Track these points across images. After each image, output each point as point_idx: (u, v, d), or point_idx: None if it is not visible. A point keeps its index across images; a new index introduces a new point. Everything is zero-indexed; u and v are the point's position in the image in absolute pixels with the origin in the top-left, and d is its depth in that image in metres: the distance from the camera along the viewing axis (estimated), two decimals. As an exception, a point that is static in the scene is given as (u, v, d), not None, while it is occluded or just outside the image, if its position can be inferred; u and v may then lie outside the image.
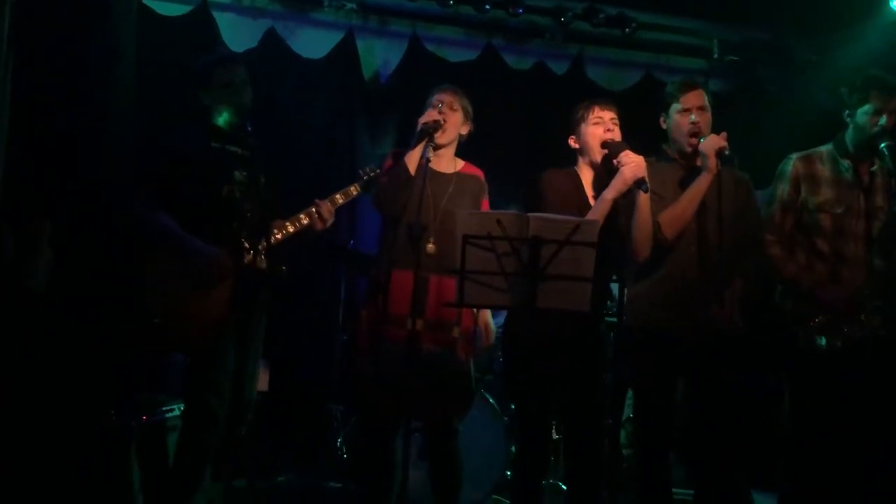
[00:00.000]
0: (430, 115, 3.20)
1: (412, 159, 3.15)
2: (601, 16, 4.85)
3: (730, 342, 3.09)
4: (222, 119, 3.22)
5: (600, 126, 3.09)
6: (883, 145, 3.16)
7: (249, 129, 3.08)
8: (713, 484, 3.10)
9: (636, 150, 3.01)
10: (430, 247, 3.16)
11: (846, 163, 3.30)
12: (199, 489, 3.13)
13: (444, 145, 3.28)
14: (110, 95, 4.05)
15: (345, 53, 4.75)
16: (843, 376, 3.17)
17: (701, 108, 3.14)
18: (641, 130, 3.23)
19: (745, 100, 5.13)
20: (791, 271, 3.28)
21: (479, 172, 3.39)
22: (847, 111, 3.29)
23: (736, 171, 3.21)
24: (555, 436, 3.87)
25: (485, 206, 3.32)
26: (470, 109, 3.34)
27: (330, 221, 3.28)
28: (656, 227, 3.04)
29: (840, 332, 3.17)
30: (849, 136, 3.30)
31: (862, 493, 3.33)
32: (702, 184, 3.03)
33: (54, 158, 3.77)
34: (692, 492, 3.18)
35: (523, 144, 5.10)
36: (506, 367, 3.28)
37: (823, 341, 3.17)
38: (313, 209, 3.24)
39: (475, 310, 3.29)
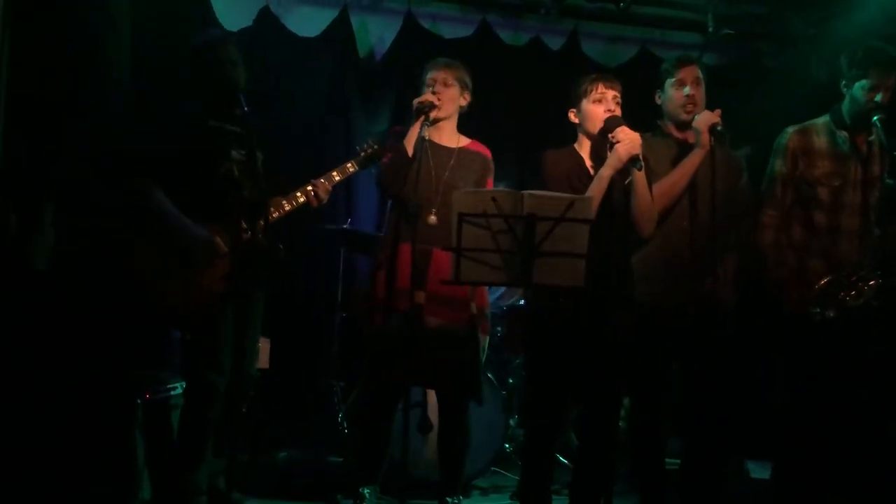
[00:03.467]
0: (424, 96, 3.24)
1: (410, 140, 3.22)
2: (596, -10, 4.83)
3: (723, 315, 3.13)
4: (217, 98, 3.23)
5: (602, 105, 3.07)
6: (875, 118, 3.17)
7: (246, 108, 3.10)
8: (702, 455, 3.16)
9: (632, 127, 3.03)
10: (433, 218, 3.22)
11: (843, 134, 3.30)
12: (201, 464, 3.19)
13: (443, 119, 3.33)
14: (105, 72, 4.05)
15: (339, 31, 4.75)
16: (837, 345, 3.20)
17: (695, 82, 3.16)
18: (637, 107, 3.24)
19: (740, 74, 5.13)
20: (772, 262, 3.27)
21: (485, 151, 3.42)
22: (844, 82, 3.28)
23: (729, 150, 3.24)
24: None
25: (489, 186, 3.34)
26: (467, 79, 3.38)
27: (326, 199, 3.31)
28: None
29: (835, 301, 3.17)
30: (845, 106, 3.30)
31: (854, 463, 3.40)
32: (694, 159, 3.06)
33: (52, 134, 3.79)
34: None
35: (519, 121, 5.10)
36: (527, 337, 3.29)
37: (818, 310, 3.17)
38: (310, 187, 3.28)
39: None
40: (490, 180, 3.39)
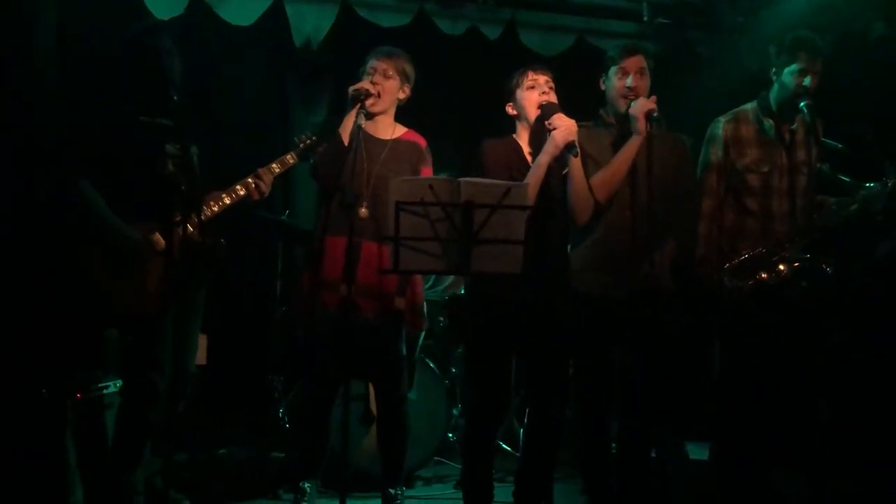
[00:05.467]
0: (361, 84, 3.20)
1: (345, 128, 3.17)
2: (533, -21, 4.86)
3: (661, 300, 3.17)
4: (150, 90, 3.15)
5: (535, 90, 3.11)
6: (802, 104, 3.25)
7: (176, 99, 3.02)
8: (638, 437, 3.21)
9: (569, 115, 3.04)
10: (364, 211, 3.19)
11: (769, 122, 3.38)
12: (139, 465, 3.13)
13: (380, 112, 3.29)
14: (31, 65, 3.90)
15: (274, 20, 4.66)
16: (768, 327, 3.27)
17: (639, 73, 3.18)
18: (575, 95, 3.26)
19: (675, 62, 5.20)
20: (701, 255, 3.33)
21: (419, 140, 3.40)
22: (774, 69, 3.36)
23: (675, 133, 3.28)
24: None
25: (425, 174, 3.32)
26: (409, 71, 3.34)
27: (268, 192, 3.26)
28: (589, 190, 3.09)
29: (751, 276, 3.25)
30: (773, 94, 3.38)
31: (788, 440, 3.49)
32: (632, 147, 3.09)
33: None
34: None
35: (458, 110, 5.10)
36: (464, 327, 3.31)
37: (732, 282, 3.25)
38: (250, 179, 3.22)
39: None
40: (426, 168, 3.36)
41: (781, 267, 3.24)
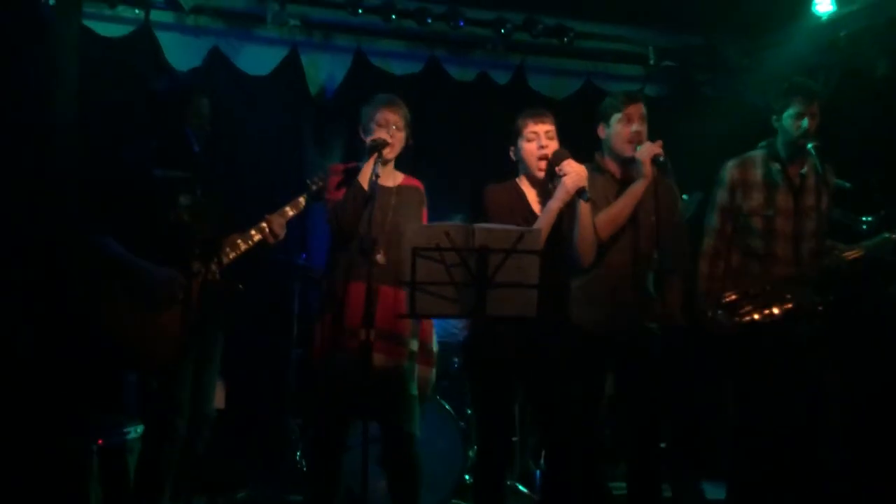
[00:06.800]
0: (378, 134, 3.24)
1: (364, 176, 3.20)
2: (540, 26, 4.97)
3: (671, 337, 3.21)
4: (169, 143, 3.23)
5: (534, 142, 3.15)
6: (810, 146, 3.33)
7: (196, 150, 3.10)
8: (647, 475, 3.21)
9: (577, 158, 3.11)
10: (380, 257, 3.20)
11: (777, 166, 3.46)
12: (159, 507, 3.15)
13: (389, 160, 3.35)
14: (52, 118, 4.00)
15: (290, 69, 4.79)
16: (779, 366, 3.31)
17: (641, 119, 3.26)
18: (583, 138, 3.33)
19: (681, 103, 5.30)
20: (700, 293, 3.42)
21: (418, 184, 3.44)
22: (775, 117, 3.46)
23: (668, 179, 3.35)
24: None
25: (424, 216, 3.37)
26: (410, 121, 3.39)
27: (282, 235, 3.32)
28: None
29: (744, 314, 3.33)
30: (779, 140, 3.48)
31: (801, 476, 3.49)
32: (637, 189, 3.16)
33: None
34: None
35: (469, 155, 5.18)
36: (469, 369, 3.33)
37: (721, 317, 3.34)
38: (264, 224, 3.28)
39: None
40: (424, 210, 3.39)
41: (775, 309, 3.32)
